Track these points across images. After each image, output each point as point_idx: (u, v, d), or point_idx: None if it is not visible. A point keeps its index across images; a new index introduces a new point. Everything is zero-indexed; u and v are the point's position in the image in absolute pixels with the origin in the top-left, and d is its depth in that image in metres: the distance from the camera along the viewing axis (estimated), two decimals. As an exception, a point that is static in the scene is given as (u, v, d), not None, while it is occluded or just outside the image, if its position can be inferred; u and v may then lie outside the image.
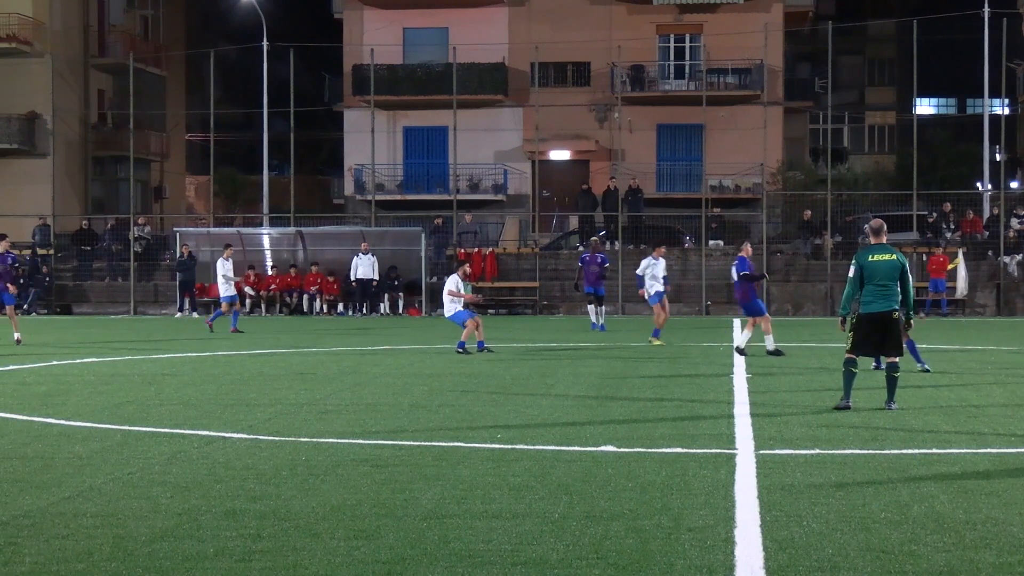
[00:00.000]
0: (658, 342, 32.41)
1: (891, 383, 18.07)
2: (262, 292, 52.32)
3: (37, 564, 9.28)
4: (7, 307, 32.69)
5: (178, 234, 54.93)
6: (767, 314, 28.94)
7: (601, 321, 38.58)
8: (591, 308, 38.98)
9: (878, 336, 17.91)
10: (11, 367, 25.62)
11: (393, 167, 65.22)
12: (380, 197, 61.92)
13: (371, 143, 58.89)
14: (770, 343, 27.88)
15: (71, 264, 57.59)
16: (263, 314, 51.21)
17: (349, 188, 66.01)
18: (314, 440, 15.18)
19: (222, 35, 77.07)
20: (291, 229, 56.34)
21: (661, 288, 33.33)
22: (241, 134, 77.59)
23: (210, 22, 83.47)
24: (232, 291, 38.92)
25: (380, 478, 12.59)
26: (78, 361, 27.48)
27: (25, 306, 52.88)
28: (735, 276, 28.50)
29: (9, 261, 32.96)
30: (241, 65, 75.71)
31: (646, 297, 33.72)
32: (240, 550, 9.66)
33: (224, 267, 38.90)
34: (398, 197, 64.75)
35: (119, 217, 60.88)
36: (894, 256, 17.90)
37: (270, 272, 54.37)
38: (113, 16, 72.76)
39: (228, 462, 13.61)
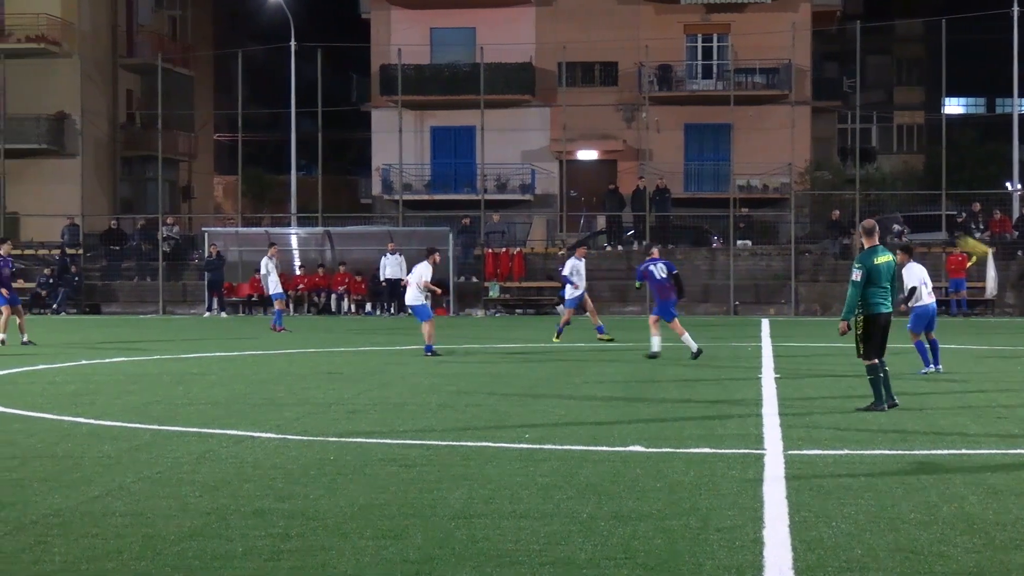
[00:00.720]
0: (557, 340, 32.88)
1: (888, 381, 18.07)
2: (290, 292, 52.37)
3: (66, 563, 9.31)
4: (11, 308, 32.53)
5: (206, 234, 55.05)
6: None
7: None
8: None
9: (882, 337, 17.93)
10: (40, 366, 25.71)
11: (420, 167, 65.25)
12: (408, 197, 61.95)
13: (399, 143, 58.93)
14: (657, 344, 27.59)
15: (100, 264, 57.75)
16: (291, 314, 51.26)
17: (376, 188, 66.06)
18: (342, 440, 15.20)
19: (249, 35, 77.21)
20: (319, 229, 56.42)
21: (580, 292, 33.47)
22: (269, 134, 77.76)
23: (237, 22, 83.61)
24: (280, 289, 39.65)
25: (408, 478, 12.60)
26: (107, 361, 27.57)
27: (55, 306, 53.07)
28: (661, 275, 27.94)
29: (11, 266, 33.02)
30: (268, 65, 75.90)
31: (566, 296, 33.84)
32: (268, 549, 9.68)
33: (269, 266, 39.71)
34: (425, 197, 64.78)
35: (147, 217, 61.05)
36: (891, 257, 18.03)
37: (298, 272, 54.44)
38: (141, 16, 72.95)
39: (256, 461, 13.64)
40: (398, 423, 16.78)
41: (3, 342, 31.67)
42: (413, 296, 29.05)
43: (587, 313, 34.05)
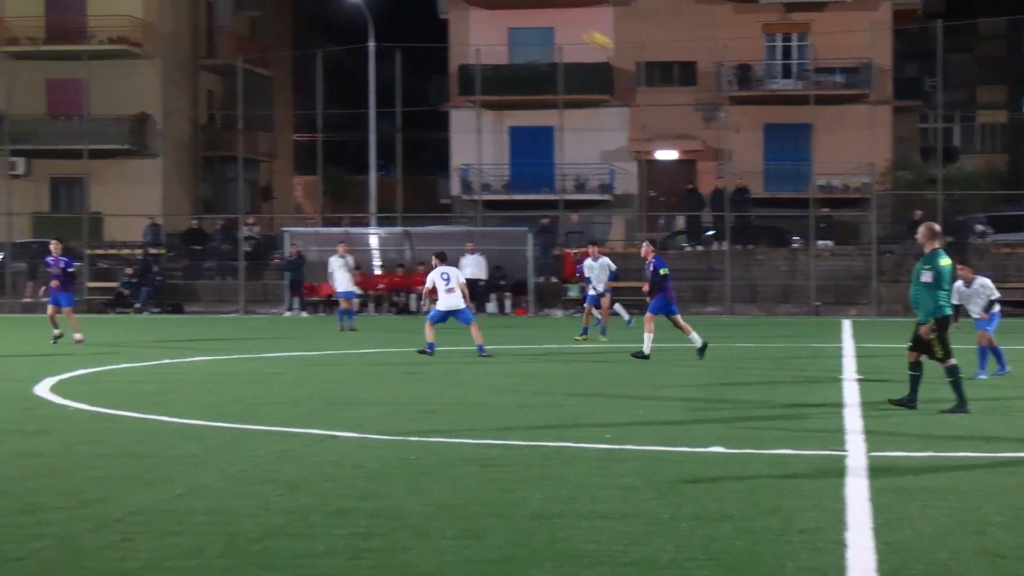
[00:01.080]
0: (582, 337, 33.33)
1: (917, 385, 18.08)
2: (370, 292, 52.56)
3: (150, 560, 9.37)
4: (64, 308, 32.82)
5: (287, 234, 55.31)
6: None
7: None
8: (619, 307, 39.17)
9: None
10: (123, 365, 25.92)
11: (499, 167, 65.30)
12: (486, 197, 62.02)
13: (477, 143, 59.00)
14: (698, 340, 27.34)
15: (182, 263, 58.18)
16: (371, 313, 51.45)
17: (455, 188, 66.16)
18: (422, 439, 15.20)
19: (328, 35, 77.54)
20: (398, 229, 56.57)
21: (598, 291, 34.00)
22: (347, 134, 78.03)
23: (316, 23, 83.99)
24: (349, 287, 39.88)
25: (488, 477, 12.60)
26: (188, 360, 27.76)
27: (137, 305, 53.48)
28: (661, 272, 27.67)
29: (62, 264, 33.15)
30: (347, 65, 76.16)
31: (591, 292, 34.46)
32: (350, 548, 9.70)
33: (335, 264, 40.15)
34: (504, 197, 64.78)
35: (228, 217, 61.46)
36: (950, 261, 18.03)
37: (377, 272, 54.61)
38: (221, 17, 73.45)
39: (337, 460, 13.68)
40: (477, 423, 16.79)
41: (78, 341, 31.92)
42: (457, 300, 28.59)
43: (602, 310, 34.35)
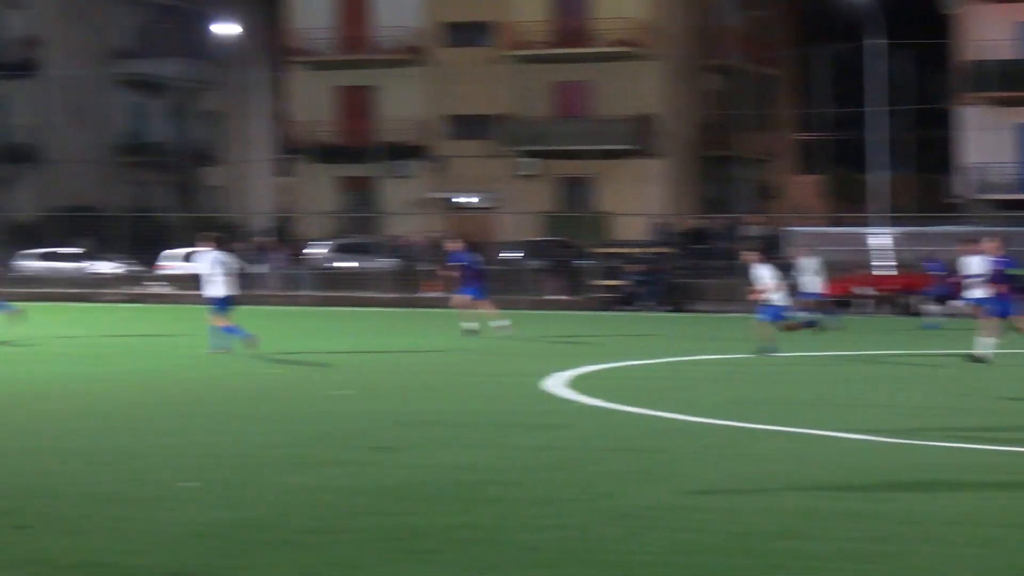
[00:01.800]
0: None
1: None
2: (878, 292, 51.68)
3: (658, 555, 9.44)
4: (476, 300, 33.52)
5: (788, 233, 54.97)
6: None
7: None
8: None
9: None
10: (633, 362, 26.27)
11: (1009, 165, 63.18)
12: (996, 196, 60.15)
13: (986, 141, 57.26)
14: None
15: (687, 262, 58.62)
16: (878, 314, 50.59)
17: (963, 187, 64.37)
18: (937, 443, 14.77)
19: (831, 33, 76.79)
20: (903, 229, 55.46)
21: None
22: (851, 133, 77.18)
23: (820, 20, 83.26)
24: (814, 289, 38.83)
25: (1011, 484, 12.14)
26: (696, 357, 27.92)
27: (649, 303, 54.09)
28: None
29: (466, 261, 34.04)
30: (850, 63, 75.27)
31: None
32: (862, 552, 9.50)
33: (804, 265, 38.96)
34: (1016, 196, 62.61)
35: (731, 216, 61.68)
36: None
37: (882, 272, 53.65)
38: (725, 17, 73.69)
39: (848, 462, 13.46)
40: (997, 428, 16.19)
41: (474, 330, 32.62)
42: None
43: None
